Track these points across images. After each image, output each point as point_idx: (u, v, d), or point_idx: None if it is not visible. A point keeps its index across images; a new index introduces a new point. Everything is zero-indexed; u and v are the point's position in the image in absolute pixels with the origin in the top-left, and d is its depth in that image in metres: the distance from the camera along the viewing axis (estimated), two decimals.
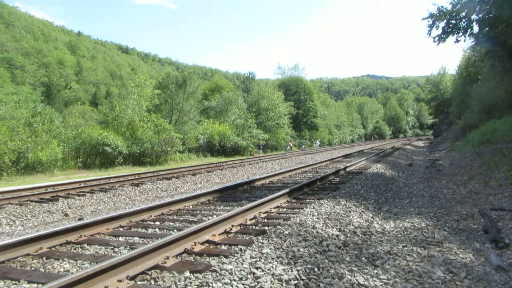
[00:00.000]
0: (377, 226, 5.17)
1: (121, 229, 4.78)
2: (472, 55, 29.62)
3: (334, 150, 29.83)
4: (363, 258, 3.76)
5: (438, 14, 13.22)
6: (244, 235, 4.16)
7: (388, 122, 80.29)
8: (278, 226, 4.40)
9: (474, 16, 12.82)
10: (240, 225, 4.62)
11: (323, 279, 3.06)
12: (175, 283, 2.82)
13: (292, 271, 3.09)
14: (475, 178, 8.93)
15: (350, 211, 5.67)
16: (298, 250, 3.62)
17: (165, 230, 4.61)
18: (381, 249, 4.06)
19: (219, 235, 4.14)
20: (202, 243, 3.82)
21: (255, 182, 8.79)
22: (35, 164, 15.05)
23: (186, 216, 5.54)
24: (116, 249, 3.87)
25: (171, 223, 5.02)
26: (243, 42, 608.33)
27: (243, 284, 2.77)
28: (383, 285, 3.15)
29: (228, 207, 6.06)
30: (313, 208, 5.47)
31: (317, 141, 46.75)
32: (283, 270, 3.09)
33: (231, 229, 4.38)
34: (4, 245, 3.54)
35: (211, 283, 2.74)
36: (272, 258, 3.32)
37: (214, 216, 5.29)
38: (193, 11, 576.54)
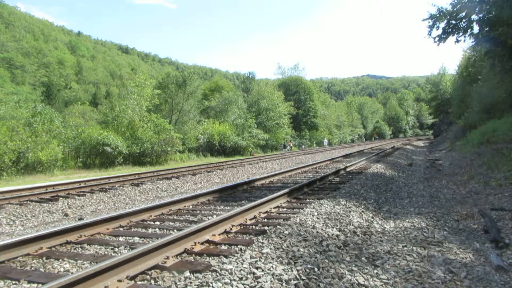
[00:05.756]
0: (377, 226, 5.17)
1: (121, 229, 4.78)
2: (472, 55, 29.61)
3: (334, 150, 29.82)
4: (363, 258, 3.76)
5: (438, 15, 13.23)
6: (244, 235, 4.16)
7: (388, 122, 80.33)
8: (278, 226, 4.40)
9: (474, 16, 12.84)
10: (240, 225, 4.62)
11: (323, 279, 3.06)
12: (175, 283, 2.82)
13: (292, 271, 3.09)
14: (475, 178, 8.93)
15: (350, 211, 5.67)
16: (298, 250, 3.62)
17: (165, 230, 4.61)
18: (381, 249, 4.06)
19: (219, 235, 4.14)
20: (202, 243, 3.82)
21: (255, 182, 8.79)
22: (35, 164, 15.04)
23: (186, 216, 5.54)
24: (116, 249, 3.87)
25: (171, 223, 5.02)
26: (243, 42, 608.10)
27: (243, 284, 2.78)
28: (383, 285, 3.15)
29: (228, 207, 6.06)
30: (313, 208, 5.47)
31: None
32: (283, 270, 3.09)
33: (231, 229, 4.38)
34: (4, 245, 3.54)
35: (211, 283, 2.74)
36: (272, 258, 3.32)
37: (214, 216, 5.29)
38: (193, 11, 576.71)
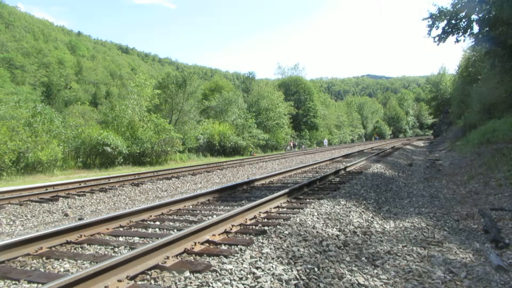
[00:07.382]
0: (377, 226, 5.17)
1: (121, 229, 4.78)
2: (472, 55, 29.62)
3: (334, 150, 29.82)
4: (363, 258, 3.76)
5: (438, 15, 13.22)
6: (244, 235, 4.16)
7: (388, 122, 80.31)
8: (278, 226, 4.40)
9: (474, 16, 12.82)
10: (240, 225, 4.62)
11: (323, 279, 3.06)
12: (175, 283, 2.82)
13: (292, 271, 3.09)
14: (475, 178, 8.93)
15: (350, 211, 5.67)
16: (298, 250, 3.62)
17: (165, 230, 4.61)
18: (381, 249, 4.06)
19: (219, 235, 4.14)
20: (202, 243, 3.82)
21: (255, 182, 8.79)
22: (35, 164, 15.04)
23: (186, 216, 5.54)
24: (116, 249, 3.87)
25: (171, 223, 5.02)
26: (243, 42, 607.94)
27: (243, 284, 2.77)
28: (383, 285, 3.15)
29: (228, 207, 6.06)
30: (313, 208, 5.47)
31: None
32: (283, 270, 3.09)
33: (231, 229, 4.38)
34: (4, 245, 3.54)
35: (211, 283, 2.74)
36: (272, 258, 3.32)
37: (214, 216, 5.29)
38: (193, 11, 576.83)
